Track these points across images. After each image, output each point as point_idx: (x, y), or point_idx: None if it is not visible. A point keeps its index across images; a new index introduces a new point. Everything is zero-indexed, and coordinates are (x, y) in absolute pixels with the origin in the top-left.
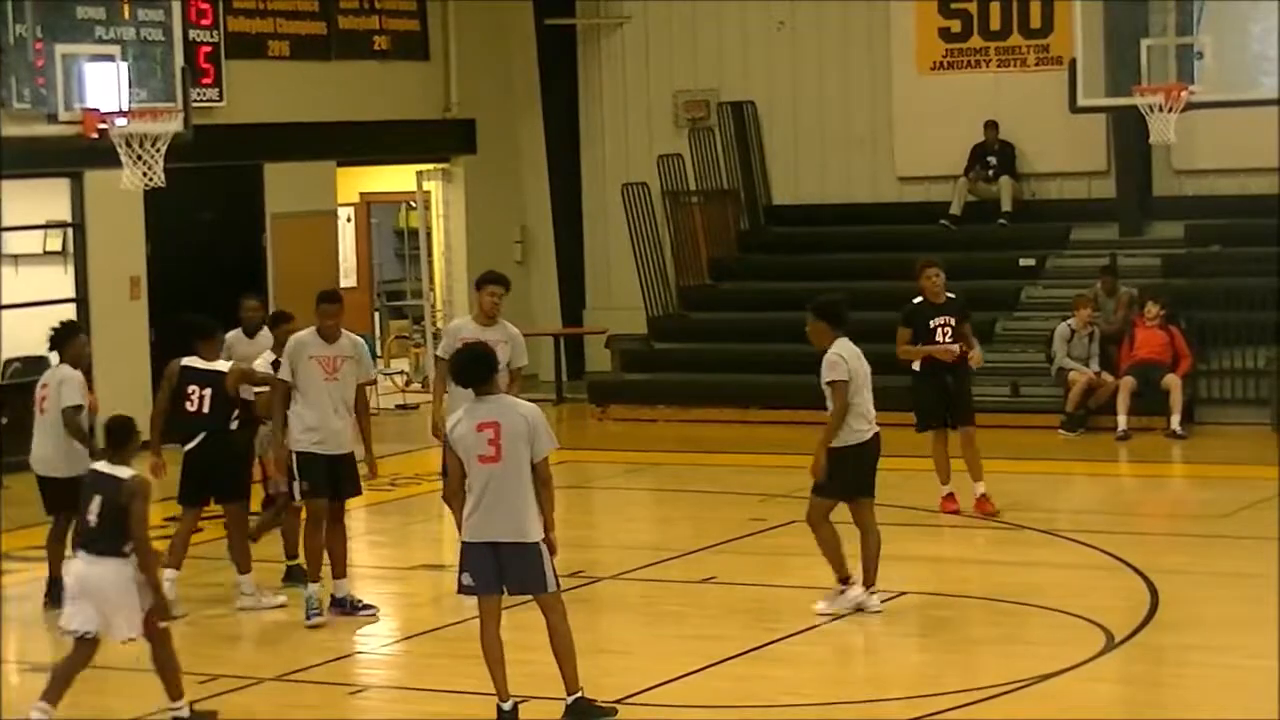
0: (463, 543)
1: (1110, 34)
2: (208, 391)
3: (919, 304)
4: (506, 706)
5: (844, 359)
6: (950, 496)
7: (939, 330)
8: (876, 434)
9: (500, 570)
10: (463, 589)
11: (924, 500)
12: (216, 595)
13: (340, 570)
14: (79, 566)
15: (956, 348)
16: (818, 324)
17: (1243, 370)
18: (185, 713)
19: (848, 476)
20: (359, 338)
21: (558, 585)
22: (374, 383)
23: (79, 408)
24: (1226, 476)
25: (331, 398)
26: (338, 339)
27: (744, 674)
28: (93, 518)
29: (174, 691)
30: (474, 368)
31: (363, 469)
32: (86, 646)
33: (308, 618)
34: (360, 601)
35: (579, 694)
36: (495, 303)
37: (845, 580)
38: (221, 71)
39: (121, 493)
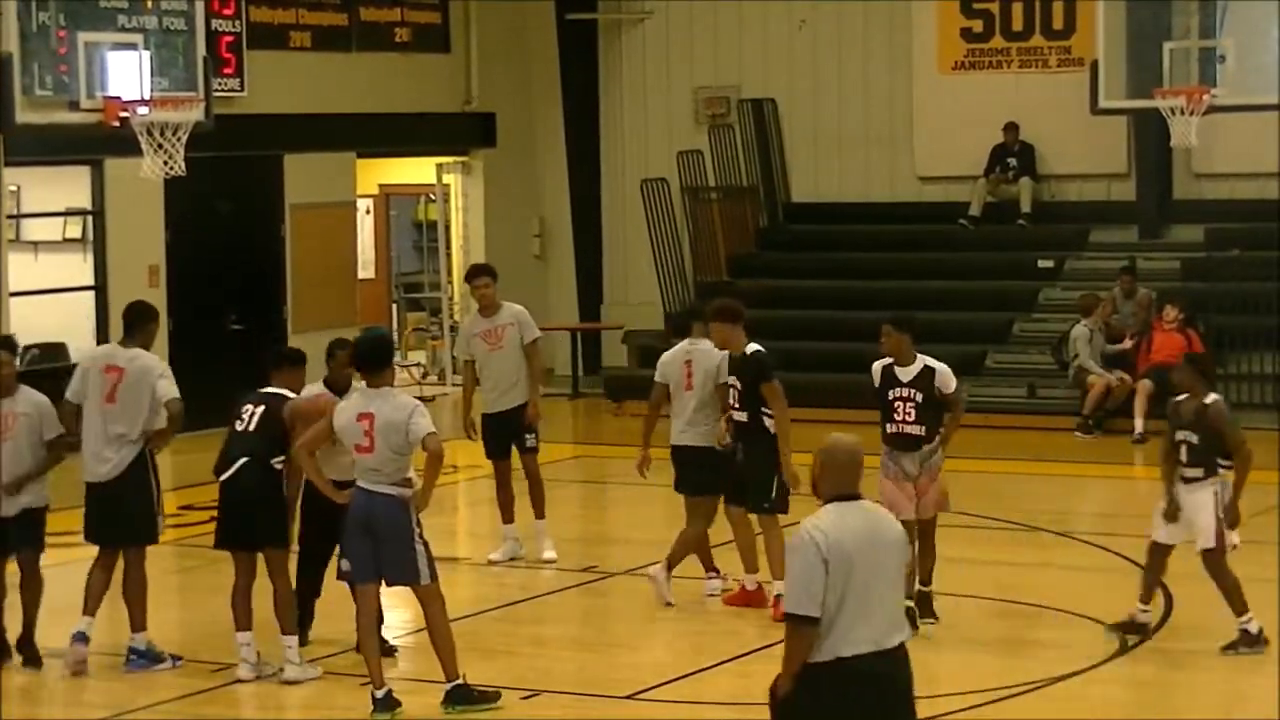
0: (345, 530)
1: (1132, 36)
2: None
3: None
4: (380, 694)
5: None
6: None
7: (730, 391)
8: None
9: (377, 559)
10: (341, 575)
11: None
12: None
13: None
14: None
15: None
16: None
17: (1260, 375)
18: None
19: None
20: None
21: (433, 578)
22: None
23: None
24: None
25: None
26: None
27: (753, 671)
28: None
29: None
30: (369, 355)
31: None
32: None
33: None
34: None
35: (459, 680)
36: (484, 293)
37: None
38: (243, 61)
39: None
